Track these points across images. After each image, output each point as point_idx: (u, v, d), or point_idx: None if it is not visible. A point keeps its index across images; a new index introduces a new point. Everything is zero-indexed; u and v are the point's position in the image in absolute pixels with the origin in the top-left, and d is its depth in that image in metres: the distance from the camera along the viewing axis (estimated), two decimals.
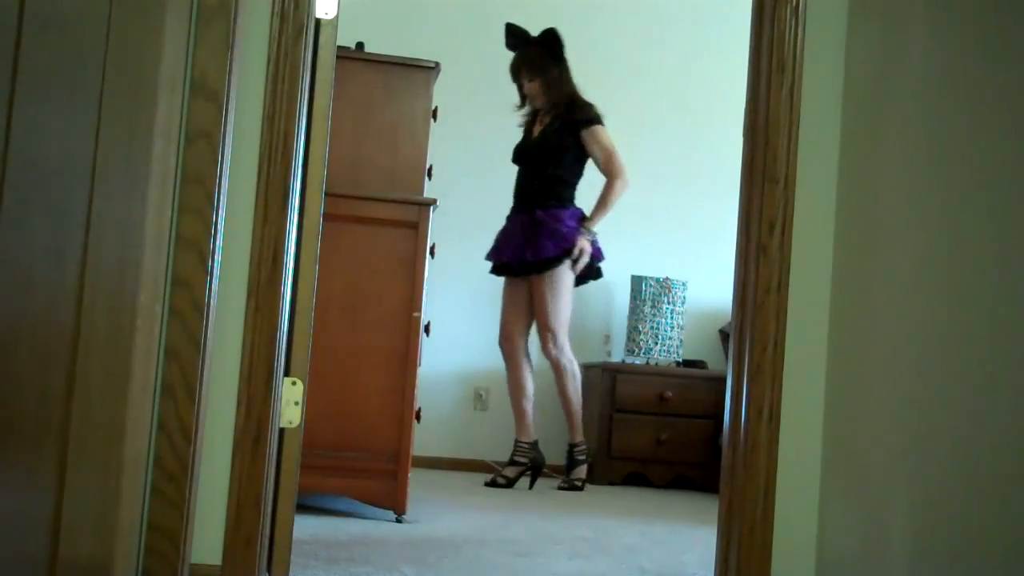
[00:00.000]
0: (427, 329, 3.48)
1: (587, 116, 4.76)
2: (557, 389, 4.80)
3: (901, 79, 2.10)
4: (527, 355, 4.82)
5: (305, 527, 2.96)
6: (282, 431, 2.19)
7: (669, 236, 5.95)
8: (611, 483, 5.28)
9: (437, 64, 3.65)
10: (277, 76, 2.12)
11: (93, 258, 1.42)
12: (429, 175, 3.62)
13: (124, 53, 1.51)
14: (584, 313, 5.88)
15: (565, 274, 4.67)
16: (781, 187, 2.27)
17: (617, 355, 5.77)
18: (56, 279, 1.33)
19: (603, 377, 5.36)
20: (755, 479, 2.22)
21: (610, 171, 4.74)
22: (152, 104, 1.72)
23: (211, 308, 2.00)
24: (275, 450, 2.14)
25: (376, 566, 2.52)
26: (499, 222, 4.84)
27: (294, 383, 2.19)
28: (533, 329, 4.82)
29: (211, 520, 2.06)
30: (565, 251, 4.63)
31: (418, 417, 3.36)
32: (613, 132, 5.84)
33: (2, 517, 1.21)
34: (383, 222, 3.34)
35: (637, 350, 5.54)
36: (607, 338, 5.88)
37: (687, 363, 5.61)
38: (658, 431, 5.33)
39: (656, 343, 5.54)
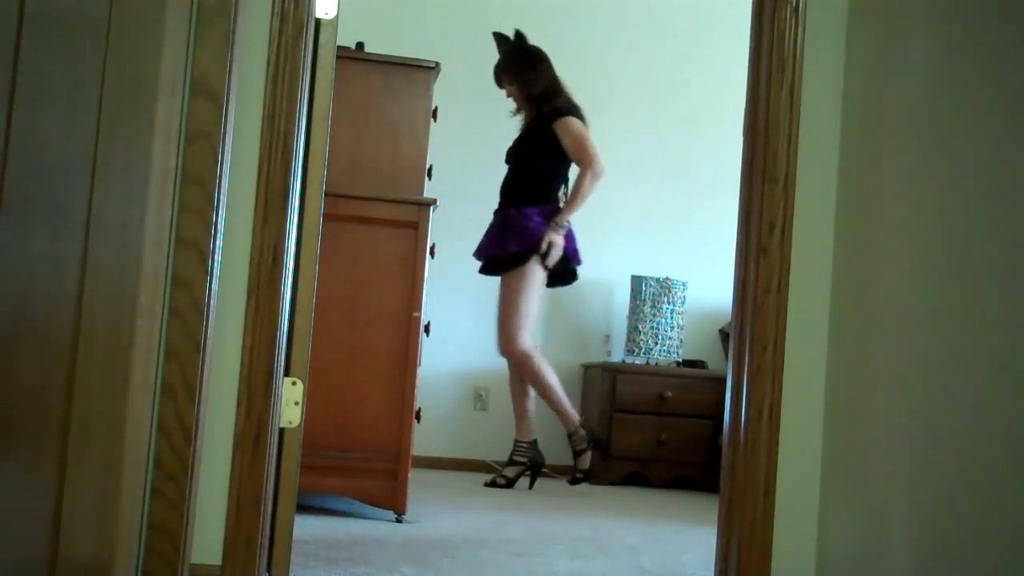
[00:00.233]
0: (427, 329, 3.48)
1: (556, 107, 4.69)
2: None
3: (901, 79, 2.10)
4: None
5: (305, 527, 2.96)
6: (282, 431, 2.19)
7: (669, 236, 5.95)
8: (611, 483, 5.28)
9: (437, 64, 3.65)
10: (277, 76, 2.12)
11: (93, 258, 1.42)
12: (429, 175, 3.62)
13: (124, 53, 1.51)
14: (584, 313, 5.89)
15: (531, 271, 4.58)
16: (781, 187, 2.27)
17: (617, 355, 5.77)
18: (56, 279, 1.33)
19: (603, 377, 5.36)
20: (755, 479, 2.22)
21: (581, 161, 4.62)
22: (152, 104, 1.72)
23: (211, 308, 2.00)
24: (275, 450, 2.14)
25: (376, 566, 2.52)
26: None
27: (294, 383, 2.19)
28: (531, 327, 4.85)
29: (211, 520, 2.06)
30: (530, 248, 4.56)
31: (418, 417, 3.36)
32: (613, 132, 5.85)
33: (2, 517, 1.21)
34: (383, 222, 3.34)
35: (637, 350, 5.54)
36: (607, 338, 5.88)
37: (687, 363, 5.61)
38: (658, 431, 5.33)
39: (656, 343, 5.54)
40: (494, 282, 4.90)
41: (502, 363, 4.97)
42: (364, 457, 3.27)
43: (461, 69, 4.98)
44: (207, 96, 2.00)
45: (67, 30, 1.31)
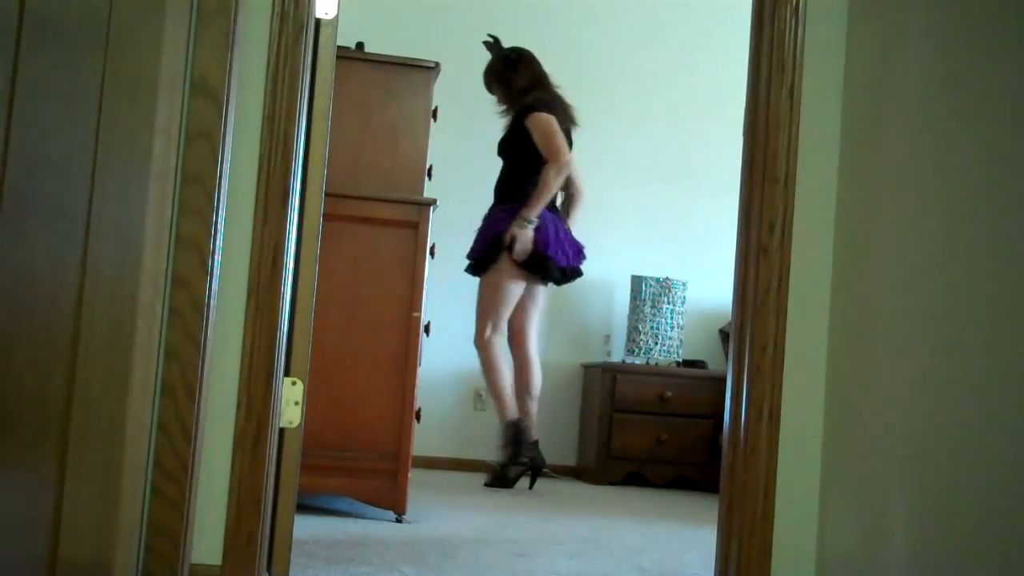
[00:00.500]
0: (427, 329, 3.48)
1: (527, 104, 4.71)
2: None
3: (901, 79, 2.10)
4: (531, 354, 4.83)
5: (305, 527, 2.96)
6: (282, 431, 2.19)
7: (669, 236, 5.95)
8: (611, 483, 5.28)
9: (437, 64, 3.65)
10: (277, 76, 2.12)
11: (93, 258, 1.42)
12: (429, 175, 3.62)
13: (124, 53, 1.51)
14: (584, 313, 5.89)
15: (500, 268, 4.63)
16: (781, 187, 2.27)
17: (617, 355, 5.77)
18: (56, 279, 1.33)
19: (603, 377, 5.36)
20: (755, 479, 2.22)
21: (546, 155, 4.61)
22: (152, 104, 1.72)
23: (211, 308, 2.00)
24: (275, 450, 2.14)
25: (376, 566, 2.52)
26: None
27: (294, 383, 2.19)
28: (532, 326, 4.86)
29: (211, 520, 2.06)
30: (496, 245, 4.63)
31: (418, 417, 3.36)
32: (613, 132, 5.86)
33: (2, 517, 1.21)
34: (383, 222, 3.34)
35: (637, 350, 5.54)
36: (607, 338, 5.89)
37: (687, 363, 5.61)
38: (658, 431, 5.33)
39: (656, 343, 5.54)
40: None
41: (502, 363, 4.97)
42: (364, 457, 3.27)
43: (461, 69, 4.97)
44: (207, 96, 2.00)
45: (67, 30, 1.31)
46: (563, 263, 4.70)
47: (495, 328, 4.69)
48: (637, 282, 5.58)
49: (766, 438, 2.23)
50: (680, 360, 5.59)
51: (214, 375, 2.05)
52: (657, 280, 5.56)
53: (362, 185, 3.45)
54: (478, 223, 4.79)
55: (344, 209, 3.27)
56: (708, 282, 5.77)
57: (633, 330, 5.56)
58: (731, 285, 2.38)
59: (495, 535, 3.20)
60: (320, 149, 2.26)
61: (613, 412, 5.33)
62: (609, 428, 5.32)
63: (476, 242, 4.75)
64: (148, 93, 1.70)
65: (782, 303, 2.25)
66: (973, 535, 1.71)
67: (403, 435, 3.27)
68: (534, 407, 4.81)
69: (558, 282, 4.81)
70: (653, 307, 5.54)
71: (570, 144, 4.78)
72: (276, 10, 2.12)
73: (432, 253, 3.45)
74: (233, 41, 2.02)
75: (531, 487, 4.75)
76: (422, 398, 3.65)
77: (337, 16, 2.27)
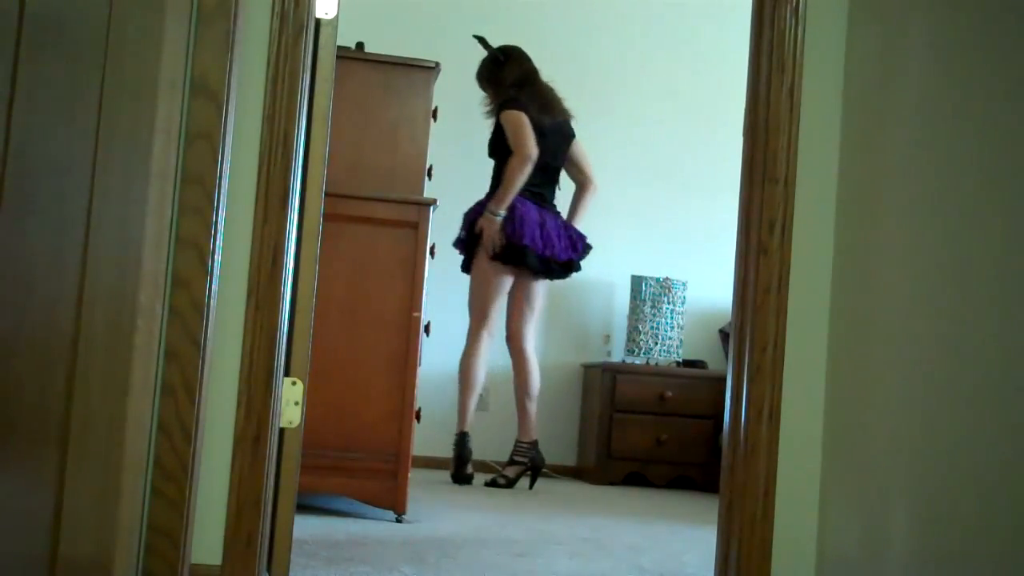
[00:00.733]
0: (427, 329, 3.48)
1: (499, 102, 4.76)
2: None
3: (901, 79, 2.10)
4: (525, 352, 4.83)
5: (305, 527, 2.96)
6: (282, 431, 2.19)
7: (669, 236, 5.95)
8: (611, 483, 5.28)
9: (437, 64, 3.65)
10: (277, 76, 2.12)
11: (93, 258, 1.42)
12: (429, 175, 3.62)
13: (124, 53, 1.51)
14: (584, 313, 5.89)
15: (478, 262, 4.70)
16: (781, 187, 2.27)
17: (617, 355, 5.77)
18: (56, 279, 1.33)
19: (603, 377, 5.36)
20: (755, 479, 2.22)
21: (512, 149, 4.63)
22: (152, 104, 1.72)
23: (211, 308, 2.00)
24: (275, 450, 2.14)
25: (376, 566, 2.52)
26: None
27: (294, 383, 2.19)
28: (530, 325, 4.88)
29: (211, 520, 2.06)
30: (469, 242, 4.71)
31: (418, 417, 3.36)
32: (613, 132, 5.86)
33: (2, 517, 1.22)
34: (383, 222, 3.33)
35: (637, 350, 5.54)
36: (607, 338, 5.89)
37: (687, 363, 5.61)
38: (658, 431, 5.33)
39: (656, 343, 5.54)
40: None
41: (502, 363, 4.97)
42: (364, 457, 3.27)
43: (461, 69, 4.98)
44: (207, 96, 2.00)
45: (67, 30, 1.31)
46: (547, 254, 4.67)
47: (482, 322, 4.72)
48: (637, 282, 5.58)
49: (766, 438, 2.23)
50: (680, 360, 5.59)
51: (214, 375, 2.05)
52: (657, 280, 5.56)
53: (362, 185, 3.45)
54: None
55: (344, 209, 3.27)
56: (708, 282, 5.77)
57: (633, 330, 5.57)
58: (731, 285, 2.38)
59: (495, 535, 3.20)
60: (320, 149, 2.26)
61: (613, 412, 5.33)
62: (609, 428, 5.32)
63: (456, 240, 4.86)
64: (148, 93, 1.70)
65: (782, 303, 2.25)
66: (973, 535, 1.71)
67: (403, 435, 3.27)
68: (533, 407, 4.82)
69: (546, 275, 4.78)
70: (653, 307, 5.54)
71: (563, 138, 4.79)
72: (276, 10, 2.12)
73: (432, 253, 3.45)
74: (233, 41, 2.02)
75: (531, 487, 4.75)
76: (422, 398, 3.65)
77: (337, 16, 2.27)
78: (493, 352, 4.87)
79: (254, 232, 2.10)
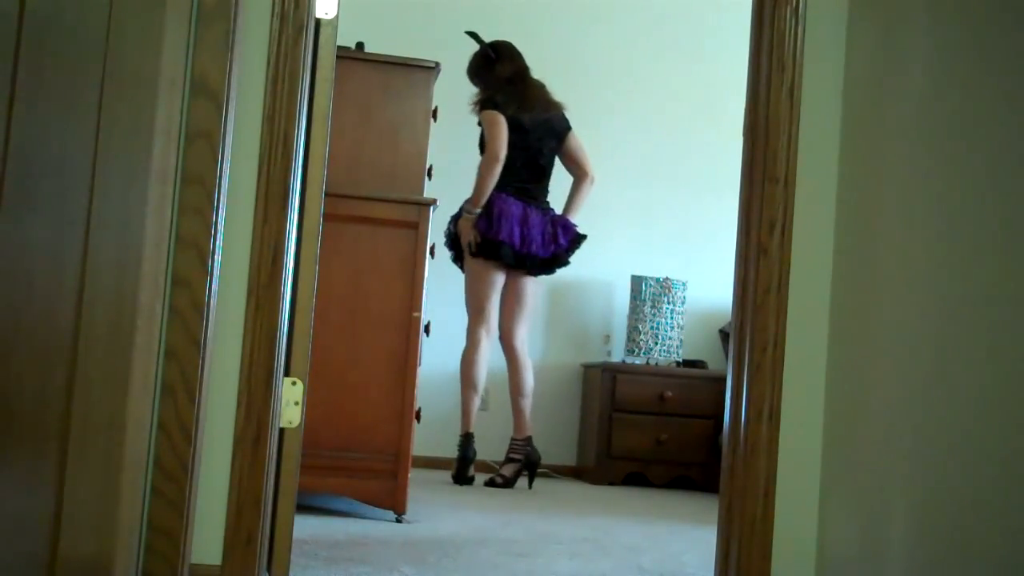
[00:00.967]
0: (427, 329, 3.48)
1: (478, 102, 4.79)
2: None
3: (901, 79, 2.10)
4: (516, 350, 4.84)
5: (305, 527, 2.96)
6: (282, 431, 2.19)
7: (669, 236, 5.95)
8: (611, 483, 5.28)
9: (437, 64, 3.65)
10: (277, 76, 2.12)
11: (93, 258, 1.42)
12: (429, 175, 3.62)
13: (124, 53, 1.51)
14: (584, 313, 5.89)
15: (468, 262, 4.75)
16: (781, 187, 2.27)
17: (617, 355, 5.77)
18: (56, 279, 1.33)
19: (603, 377, 5.36)
20: (755, 479, 2.22)
21: (484, 149, 4.71)
22: (152, 104, 1.72)
23: (211, 308, 2.00)
24: (275, 450, 2.14)
25: (376, 566, 2.52)
26: None
27: (294, 383, 2.19)
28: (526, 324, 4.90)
29: (211, 520, 2.06)
30: (456, 242, 4.77)
31: (418, 417, 3.36)
32: (613, 132, 5.86)
33: (2, 517, 1.22)
34: (383, 222, 3.34)
35: (637, 350, 5.54)
36: (607, 338, 5.88)
37: (687, 363, 5.61)
38: (658, 431, 5.33)
39: (656, 343, 5.54)
40: None
41: (502, 363, 4.97)
42: (364, 457, 3.27)
43: (461, 69, 4.97)
44: (207, 96, 2.00)
45: (67, 30, 1.31)
46: (524, 250, 4.67)
47: (478, 320, 4.74)
48: (637, 282, 5.58)
49: (766, 438, 2.23)
50: (680, 360, 5.59)
51: (214, 375, 2.05)
52: (657, 280, 5.56)
53: (362, 185, 3.45)
54: None
55: (344, 209, 3.27)
56: (708, 282, 5.77)
57: (633, 330, 5.56)
58: (731, 285, 2.38)
59: (495, 535, 3.20)
60: (320, 149, 2.26)
61: (613, 412, 5.33)
62: (609, 428, 5.32)
63: (446, 241, 4.92)
64: (148, 93, 1.70)
65: (782, 303, 2.25)
66: (973, 535, 1.71)
67: (403, 435, 3.27)
68: (526, 404, 4.82)
69: (527, 270, 4.78)
70: (653, 307, 5.54)
71: (550, 133, 4.78)
72: (276, 10, 2.12)
73: (432, 253, 3.45)
74: (233, 41, 2.02)
75: (530, 485, 4.75)
76: (422, 398, 3.65)
77: (337, 16, 2.27)
78: (493, 351, 4.87)
79: (254, 232, 2.10)
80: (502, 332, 4.85)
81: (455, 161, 5.28)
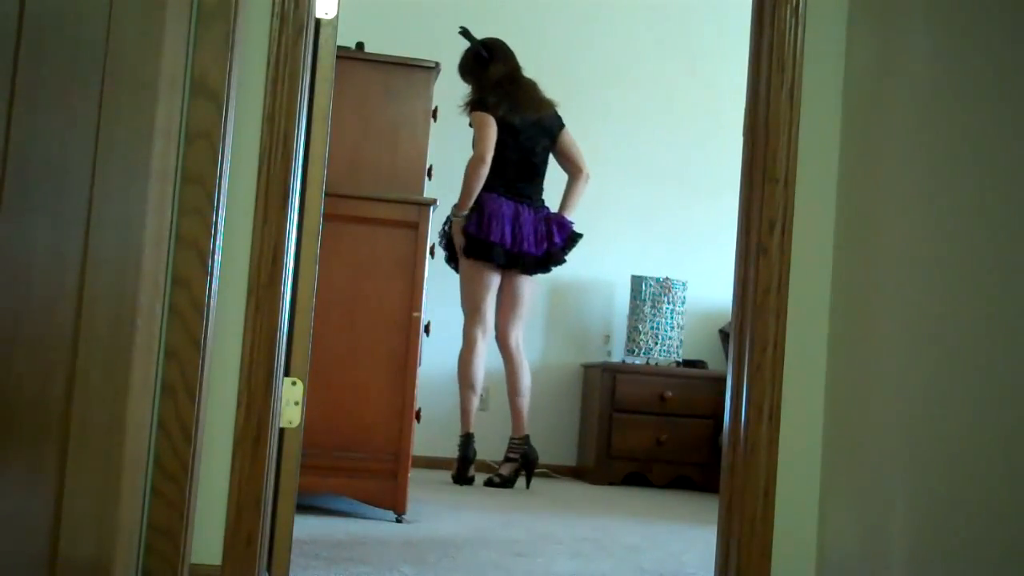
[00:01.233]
0: (427, 329, 3.48)
1: (468, 103, 4.81)
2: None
3: (901, 79, 2.10)
4: (512, 349, 4.84)
5: (305, 527, 2.96)
6: (282, 431, 2.19)
7: (669, 236, 5.95)
8: (611, 483, 5.28)
9: (437, 64, 3.65)
10: (277, 76, 2.12)
11: (93, 258, 1.42)
12: (429, 175, 3.62)
13: (124, 53, 1.51)
14: (584, 313, 5.89)
15: (462, 263, 4.76)
16: (781, 187, 2.27)
17: (617, 355, 5.77)
18: (56, 279, 1.33)
19: (603, 377, 5.36)
20: (755, 479, 2.22)
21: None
22: (152, 104, 1.72)
23: (211, 308, 2.00)
24: (275, 450, 2.14)
25: (376, 566, 2.52)
26: None
27: (294, 383, 2.19)
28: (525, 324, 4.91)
29: (211, 520, 2.06)
30: (450, 244, 4.80)
31: (418, 417, 3.36)
32: (613, 132, 5.86)
33: (2, 517, 1.21)
34: (383, 222, 3.34)
35: (637, 350, 5.54)
36: (607, 338, 5.88)
37: (687, 363, 5.61)
38: (658, 431, 5.33)
39: (656, 343, 5.54)
40: None
41: (502, 363, 4.97)
42: (364, 457, 3.27)
43: None
44: (207, 96, 2.00)
45: (67, 30, 1.31)
46: (516, 250, 4.68)
47: (474, 320, 4.75)
48: (637, 282, 5.58)
49: (766, 438, 2.23)
50: (680, 360, 5.59)
51: (214, 375, 2.05)
52: (657, 280, 5.56)
53: (362, 185, 3.45)
54: None
55: (344, 209, 3.27)
56: (708, 282, 5.77)
57: (633, 330, 5.56)
58: (731, 285, 2.38)
59: (495, 535, 3.20)
60: (320, 149, 2.26)
61: (613, 412, 5.33)
62: (609, 428, 5.32)
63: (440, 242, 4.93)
64: (148, 93, 1.70)
65: (782, 303, 2.25)
66: (973, 536, 1.71)
67: (403, 435, 3.27)
68: (523, 403, 4.82)
69: (521, 269, 4.77)
70: (653, 307, 5.54)
71: (543, 132, 4.78)
72: (276, 10, 2.12)
73: (432, 253, 3.45)
74: (233, 41, 2.02)
75: (528, 484, 4.76)
76: (422, 398, 3.65)
77: (337, 16, 2.27)
78: (492, 351, 4.87)
79: (254, 232, 2.10)
80: (498, 332, 4.86)
81: (455, 161, 5.28)
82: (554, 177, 4.93)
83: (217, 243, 2.01)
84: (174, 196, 1.94)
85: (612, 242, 5.83)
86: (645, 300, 5.54)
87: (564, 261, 4.88)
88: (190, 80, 1.99)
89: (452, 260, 4.84)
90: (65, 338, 1.36)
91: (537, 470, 5.48)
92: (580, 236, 4.86)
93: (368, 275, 3.31)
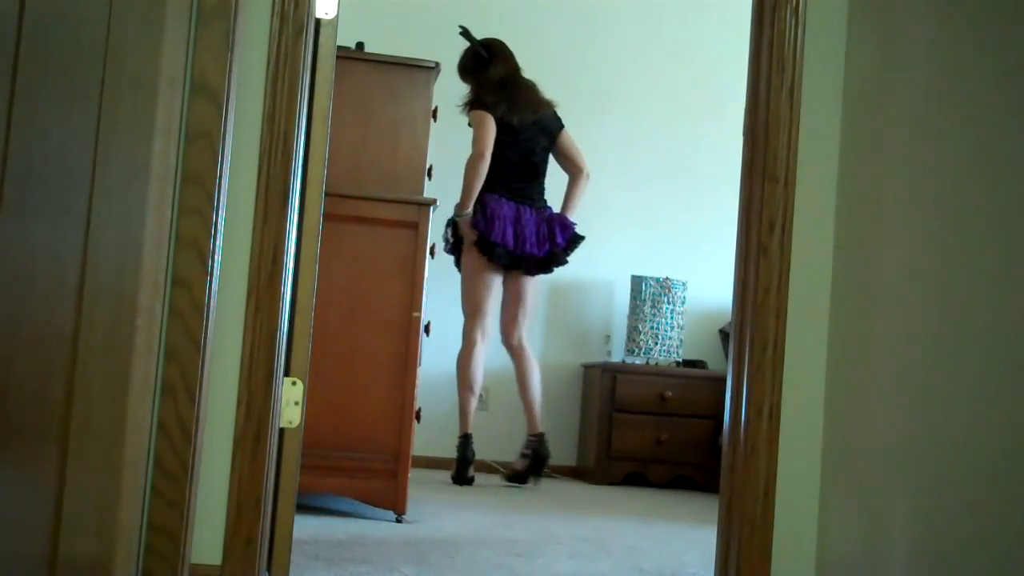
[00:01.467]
0: (427, 329, 3.48)
1: (467, 103, 4.81)
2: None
3: (901, 79, 2.10)
4: (517, 348, 4.84)
5: (305, 527, 2.96)
6: (282, 431, 2.19)
7: (669, 236, 5.95)
8: (611, 483, 5.28)
9: (437, 64, 3.65)
10: (277, 76, 2.12)
11: (93, 258, 1.42)
12: (429, 175, 3.62)
13: (124, 53, 1.51)
14: (584, 313, 5.89)
15: (464, 264, 4.77)
16: (781, 187, 2.27)
17: (617, 355, 5.77)
18: (56, 279, 1.33)
19: (603, 377, 5.36)
20: (755, 479, 2.22)
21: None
22: (152, 104, 1.72)
23: (211, 308, 2.00)
24: (275, 450, 2.14)
25: (376, 566, 2.52)
26: None
27: (294, 383, 2.19)
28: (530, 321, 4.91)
29: (211, 520, 2.06)
30: (457, 243, 4.80)
31: (418, 417, 3.36)
32: (613, 132, 5.85)
33: (2, 517, 1.21)
34: (383, 222, 3.34)
35: (637, 350, 5.54)
36: (607, 338, 5.88)
37: (687, 363, 5.61)
38: (658, 431, 5.33)
39: (656, 343, 5.54)
40: None
41: (502, 363, 4.97)
42: (364, 457, 3.27)
43: None
44: (207, 96, 2.00)
45: (67, 30, 1.31)
46: (519, 250, 4.69)
47: (474, 321, 4.76)
48: (637, 282, 5.58)
49: (766, 438, 2.23)
50: (680, 360, 5.59)
51: (214, 375, 2.05)
52: (657, 280, 5.56)
53: (362, 185, 3.45)
54: None
55: (344, 209, 3.27)
56: (708, 282, 5.77)
57: (633, 330, 5.56)
58: (731, 285, 2.38)
59: (495, 535, 3.20)
60: (320, 149, 2.26)
61: (613, 412, 5.33)
62: (609, 428, 5.32)
63: (446, 246, 4.92)
64: (148, 93, 1.70)
65: (782, 303, 2.25)
66: (972, 535, 1.71)
67: (403, 435, 3.27)
68: (534, 401, 4.82)
69: (525, 270, 4.77)
70: (653, 307, 5.54)
71: (542, 132, 4.78)
72: (276, 10, 2.12)
73: (432, 253, 3.45)
74: (233, 41, 2.02)
75: (537, 480, 4.77)
76: (422, 398, 3.65)
77: (337, 16, 2.27)
78: (491, 351, 4.87)
79: (254, 232, 2.10)
80: (504, 333, 4.86)
81: (455, 161, 5.28)
82: (555, 177, 4.93)
83: (217, 243, 2.01)
84: (174, 196, 1.94)
85: (612, 242, 5.83)
86: (645, 300, 5.54)
87: (566, 262, 4.88)
88: (190, 80, 1.99)
89: (459, 262, 4.84)
90: (65, 338, 1.36)
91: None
92: (582, 238, 4.87)
93: (368, 275, 3.31)
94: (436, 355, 5.14)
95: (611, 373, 5.36)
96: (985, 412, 1.69)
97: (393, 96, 3.56)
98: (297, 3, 2.13)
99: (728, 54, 5.46)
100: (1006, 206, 1.68)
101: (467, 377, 4.75)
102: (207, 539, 2.06)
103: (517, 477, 4.77)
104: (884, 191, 2.13)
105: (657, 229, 5.95)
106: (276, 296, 2.10)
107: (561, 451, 5.67)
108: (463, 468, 4.70)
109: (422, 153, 3.55)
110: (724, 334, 5.63)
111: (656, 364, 5.51)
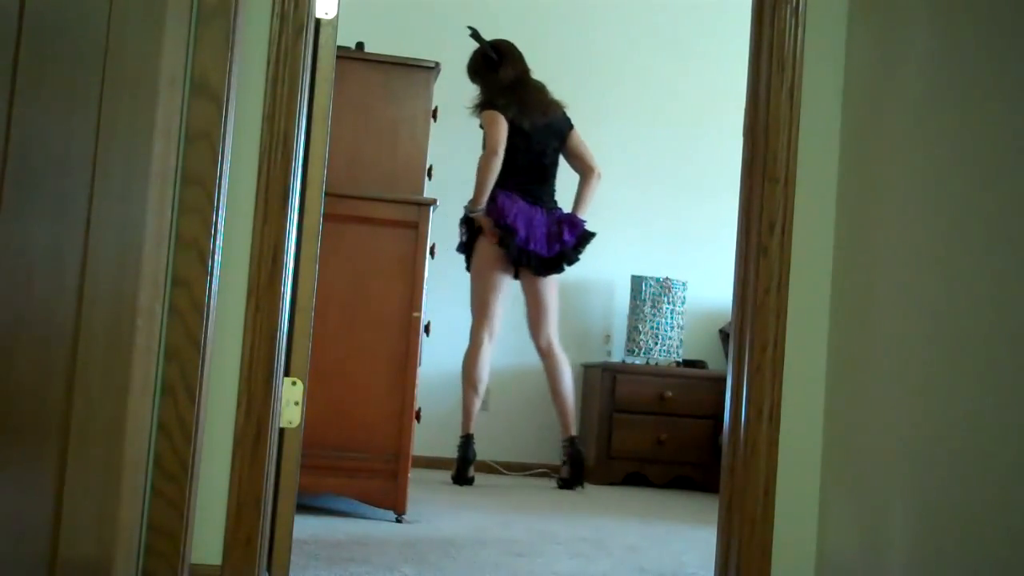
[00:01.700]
0: (427, 329, 3.48)
1: (477, 104, 4.82)
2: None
3: (901, 79, 2.10)
4: (546, 350, 4.85)
5: (305, 527, 2.96)
6: (282, 431, 2.19)
7: (669, 236, 5.95)
8: (611, 483, 5.28)
9: (437, 64, 3.65)
10: (277, 76, 2.12)
11: (93, 258, 1.42)
12: (429, 175, 3.62)
13: (124, 53, 1.51)
14: (584, 313, 5.89)
15: (474, 264, 4.78)
16: (781, 187, 2.27)
17: (617, 355, 5.77)
18: (56, 279, 1.33)
19: (603, 377, 5.36)
20: (755, 479, 2.22)
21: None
22: (152, 104, 1.71)
23: (211, 308, 2.00)
24: (275, 450, 2.14)
25: (376, 566, 2.52)
26: None
27: (294, 383, 2.19)
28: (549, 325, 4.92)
29: (211, 520, 2.06)
30: (470, 241, 4.81)
31: (418, 417, 3.36)
32: (613, 132, 5.85)
33: (2, 517, 1.21)
34: (383, 222, 3.34)
35: (637, 350, 5.54)
36: (607, 338, 5.88)
37: (687, 363, 5.61)
38: (658, 431, 5.32)
39: (656, 343, 5.54)
40: None
41: (502, 363, 4.97)
42: (364, 457, 3.27)
43: (461, 69, 4.97)
44: (207, 96, 2.00)
45: (67, 30, 1.31)
46: (528, 248, 4.69)
47: (481, 321, 4.76)
48: (637, 282, 5.58)
49: (766, 438, 2.23)
50: (680, 360, 5.59)
51: (214, 375, 2.05)
52: (657, 280, 5.56)
53: (362, 185, 3.45)
54: None
55: (344, 209, 3.27)
56: (708, 282, 5.77)
57: (633, 330, 5.56)
58: (731, 285, 2.38)
59: (495, 535, 3.20)
60: (320, 149, 2.26)
61: (613, 412, 5.33)
62: (609, 428, 5.32)
63: (459, 245, 4.92)
64: (148, 93, 1.70)
65: (782, 303, 2.25)
66: (972, 535, 1.71)
67: (403, 435, 3.27)
68: (566, 404, 4.81)
69: (531, 269, 4.77)
70: (653, 307, 5.54)
71: (553, 134, 4.79)
72: (276, 10, 2.12)
73: (432, 253, 3.45)
74: (233, 41, 2.02)
75: (577, 482, 4.78)
76: (422, 398, 3.65)
77: (337, 16, 2.27)
78: (494, 352, 4.87)
79: (254, 232, 2.10)
80: (534, 338, 4.87)
81: (455, 161, 5.28)
82: (565, 178, 4.93)
83: (217, 243, 2.01)
84: (174, 196, 1.94)
85: (612, 242, 5.83)
86: (645, 300, 5.54)
87: (577, 259, 4.88)
88: (190, 80, 1.99)
89: (469, 262, 4.84)
90: (65, 338, 1.36)
91: (538, 470, 5.49)
92: (593, 235, 4.86)
93: (368, 275, 3.31)
94: (436, 355, 5.14)
95: (611, 373, 5.36)
96: (985, 411, 1.69)
97: (393, 96, 3.56)
98: (297, 3, 2.13)
99: (728, 54, 5.46)
100: (1007, 204, 1.68)
101: (472, 377, 4.75)
102: (207, 539, 2.06)
103: (567, 484, 4.82)
104: (884, 191, 2.13)
105: (657, 229, 5.95)
106: (276, 296, 2.10)
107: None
108: (464, 468, 4.70)
109: (422, 153, 3.55)
110: (724, 334, 5.63)
111: (656, 364, 5.51)
